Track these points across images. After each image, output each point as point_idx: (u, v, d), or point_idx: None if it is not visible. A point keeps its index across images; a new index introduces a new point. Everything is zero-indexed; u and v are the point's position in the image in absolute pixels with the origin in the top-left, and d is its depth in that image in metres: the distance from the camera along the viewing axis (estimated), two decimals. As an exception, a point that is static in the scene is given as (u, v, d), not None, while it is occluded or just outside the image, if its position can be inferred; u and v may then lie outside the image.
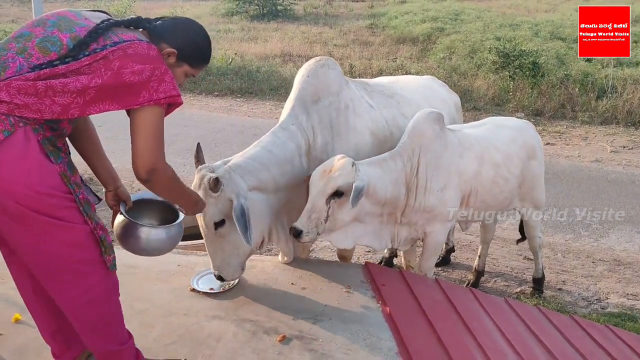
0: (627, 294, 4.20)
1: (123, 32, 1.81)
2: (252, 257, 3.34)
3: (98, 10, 1.95)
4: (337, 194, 2.56)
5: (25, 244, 1.72)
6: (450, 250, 4.56)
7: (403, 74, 10.39)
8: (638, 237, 5.02)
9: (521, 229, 3.97)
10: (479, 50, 11.93)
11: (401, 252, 3.45)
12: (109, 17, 1.93)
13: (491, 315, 2.88)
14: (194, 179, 2.58)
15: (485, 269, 4.26)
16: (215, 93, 10.34)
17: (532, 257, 4.61)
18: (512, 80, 9.14)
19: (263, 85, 10.59)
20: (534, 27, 15.03)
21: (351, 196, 2.50)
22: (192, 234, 3.76)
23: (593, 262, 4.64)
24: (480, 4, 21.80)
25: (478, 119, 8.04)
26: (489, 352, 2.52)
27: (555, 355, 2.65)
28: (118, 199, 2.17)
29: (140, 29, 1.89)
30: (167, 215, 2.25)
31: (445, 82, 4.37)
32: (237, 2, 19.99)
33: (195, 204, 2.26)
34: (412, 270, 3.36)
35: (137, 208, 2.20)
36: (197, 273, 2.91)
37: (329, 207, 2.57)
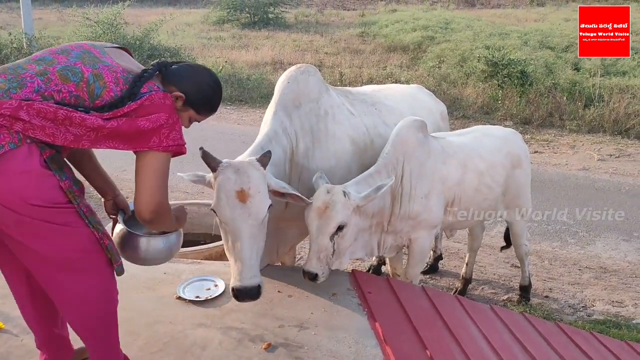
0: (613, 301, 4.24)
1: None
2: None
3: (117, 47, 1.99)
4: (339, 228, 2.61)
5: (26, 247, 1.73)
6: (438, 257, 4.59)
7: (393, 82, 10.50)
8: (624, 244, 5.07)
9: (507, 236, 4.00)
10: (469, 58, 12.05)
11: (388, 260, 3.47)
12: (129, 54, 1.99)
13: (477, 322, 2.90)
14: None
15: (473, 277, 4.28)
16: (206, 101, 10.26)
17: (517, 265, 4.66)
18: (500, 89, 9.22)
19: (253, 93, 10.62)
20: (523, 36, 15.19)
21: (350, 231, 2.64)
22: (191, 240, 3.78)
23: (579, 269, 4.68)
24: (470, 13, 22.04)
25: (467, 127, 8.15)
26: (475, 359, 2.54)
27: (539, 362, 2.66)
28: (117, 208, 2.21)
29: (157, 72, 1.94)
30: None
31: (434, 90, 4.43)
32: (229, 10, 20.05)
33: (181, 221, 2.23)
34: (398, 278, 3.37)
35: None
36: (183, 281, 2.90)
37: (334, 243, 2.62)
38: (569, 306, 4.17)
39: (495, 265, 4.72)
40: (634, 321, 3.94)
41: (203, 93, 2.01)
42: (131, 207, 2.21)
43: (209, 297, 2.77)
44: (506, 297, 4.23)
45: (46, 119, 1.66)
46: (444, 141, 3.11)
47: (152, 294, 2.83)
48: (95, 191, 2.20)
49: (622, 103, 8.42)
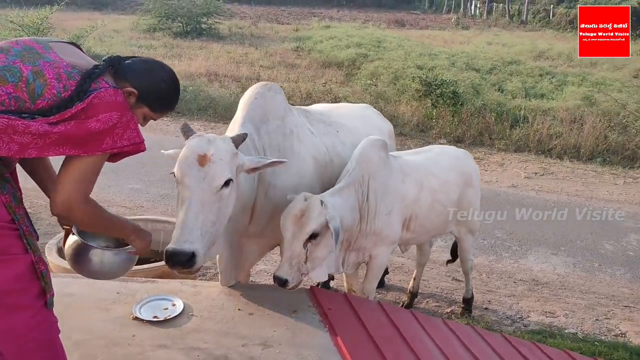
0: (546, 312, 4.51)
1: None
2: (195, 283, 3.29)
3: (64, 41, 1.88)
4: (313, 236, 2.61)
5: None
6: (384, 272, 4.69)
7: (332, 98, 10.67)
8: (553, 258, 5.42)
9: (453, 251, 4.17)
10: (401, 77, 12.48)
11: (344, 276, 3.52)
12: (78, 48, 1.88)
13: (432, 336, 2.99)
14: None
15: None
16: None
17: (459, 279, 4.87)
18: (434, 108, 9.61)
19: (191, 104, 10.43)
20: (451, 57, 15.94)
21: (333, 239, 2.59)
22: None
23: (514, 282, 4.94)
24: (400, 32, 22.85)
25: (404, 145, 8.47)
26: (433, 372, 2.63)
27: (492, 373, 2.79)
28: None
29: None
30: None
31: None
32: (160, 19, 19.63)
33: (137, 234, 2.08)
34: (354, 293, 3.42)
35: None
36: (139, 301, 2.80)
37: (307, 250, 2.62)
38: (507, 317, 4.39)
39: (437, 279, 4.89)
40: (566, 330, 4.21)
41: (157, 89, 1.91)
42: None
43: (168, 317, 2.69)
44: (449, 309, 4.39)
45: None
46: (402, 160, 3.22)
47: (107, 314, 2.71)
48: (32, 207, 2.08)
49: (545, 124, 9.03)
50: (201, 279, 4.41)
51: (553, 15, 27.77)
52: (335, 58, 15.66)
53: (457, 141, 9.01)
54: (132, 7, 26.69)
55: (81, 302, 2.78)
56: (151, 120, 2.02)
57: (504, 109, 9.80)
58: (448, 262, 4.39)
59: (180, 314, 2.73)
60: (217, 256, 2.96)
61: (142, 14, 20.71)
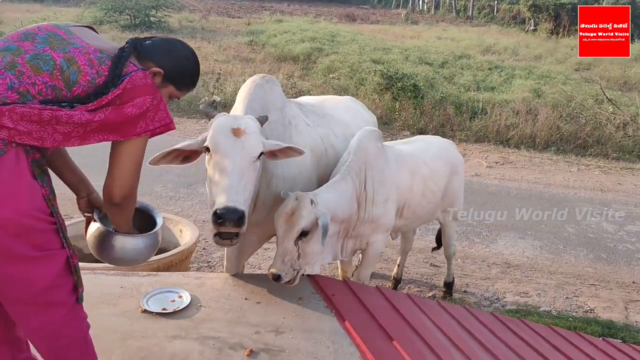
0: (520, 292, 4.75)
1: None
2: (199, 274, 3.30)
3: (82, 25, 1.86)
4: (303, 234, 2.68)
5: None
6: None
7: (296, 92, 10.70)
8: (521, 241, 5.70)
9: (438, 238, 4.33)
10: (357, 70, 12.67)
11: (339, 263, 3.60)
12: (95, 33, 1.87)
13: (429, 316, 3.13)
14: None
15: (398, 277, 4.56)
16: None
17: (436, 264, 5.07)
18: (396, 101, 9.82)
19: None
20: (404, 51, 16.29)
21: (320, 235, 2.65)
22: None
23: (488, 265, 5.17)
24: (352, 27, 23.08)
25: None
26: (437, 349, 2.75)
27: (489, 348, 2.95)
28: (92, 206, 2.08)
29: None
30: (143, 222, 2.16)
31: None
32: (106, 11, 19.03)
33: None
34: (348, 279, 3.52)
35: None
36: (145, 294, 2.80)
37: (298, 247, 2.68)
38: (485, 299, 4.61)
39: (416, 265, 5.06)
40: (540, 309, 4.46)
41: (181, 67, 1.93)
42: None
43: (177, 309, 2.70)
44: (431, 294, 4.56)
45: (31, 121, 1.56)
46: (395, 150, 3.32)
47: (115, 309, 2.70)
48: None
49: (503, 116, 9.41)
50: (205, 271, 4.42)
51: (497, 11, 28.75)
52: (290, 52, 15.68)
53: (420, 132, 9.21)
54: (73, 0, 25.77)
55: (87, 298, 2.70)
56: None
57: (462, 101, 10.13)
58: (434, 249, 4.55)
59: (188, 305, 2.75)
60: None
61: (87, 6, 20.02)
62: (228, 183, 2.32)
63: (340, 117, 3.54)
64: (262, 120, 2.57)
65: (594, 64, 15.88)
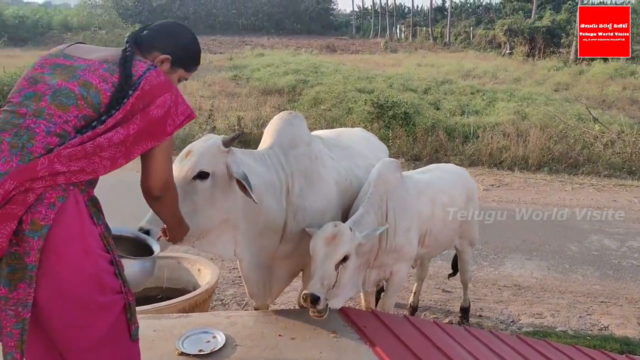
0: (534, 313, 4.79)
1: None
2: (229, 313, 3.29)
3: (72, 44, 1.88)
4: (345, 258, 2.72)
5: (61, 318, 1.63)
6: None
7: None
8: (528, 263, 5.76)
9: (454, 264, 4.38)
10: (344, 100, 12.84)
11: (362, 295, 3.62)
12: (88, 45, 1.89)
13: (459, 342, 3.16)
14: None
15: (415, 304, 4.58)
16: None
17: (448, 290, 5.11)
18: (388, 129, 9.96)
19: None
20: (388, 79, 16.57)
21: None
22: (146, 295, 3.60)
23: (499, 288, 5.22)
24: (333, 58, 23.46)
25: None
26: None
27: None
28: None
29: None
30: (139, 252, 2.19)
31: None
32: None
33: (180, 224, 2.19)
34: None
35: None
36: (180, 336, 2.78)
37: (338, 272, 2.71)
38: (501, 322, 4.63)
39: (429, 292, 5.08)
40: (556, 329, 4.50)
41: (186, 48, 1.97)
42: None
43: (214, 349, 2.69)
44: (447, 320, 4.58)
45: (78, 158, 1.59)
46: (414, 179, 3.39)
47: (152, 352, 2.66)
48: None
49: (495, 139, 9.59)
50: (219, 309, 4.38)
51: (473, 37, 29.52)
52: (275, 85, 15.84)
53: (415, 159, 9.38)
54: (54, 43, 25.80)
55: (121, 343, 2.72)
56: None
57: (452, 127, 10.31)
58: (450, 275, 4.58)
59: (224, 345, 2.74)
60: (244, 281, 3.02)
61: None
62: None
63: (359, 149, 3.63)
64: (228, 140, 2.60)
65: (572, 84, 16.34)
